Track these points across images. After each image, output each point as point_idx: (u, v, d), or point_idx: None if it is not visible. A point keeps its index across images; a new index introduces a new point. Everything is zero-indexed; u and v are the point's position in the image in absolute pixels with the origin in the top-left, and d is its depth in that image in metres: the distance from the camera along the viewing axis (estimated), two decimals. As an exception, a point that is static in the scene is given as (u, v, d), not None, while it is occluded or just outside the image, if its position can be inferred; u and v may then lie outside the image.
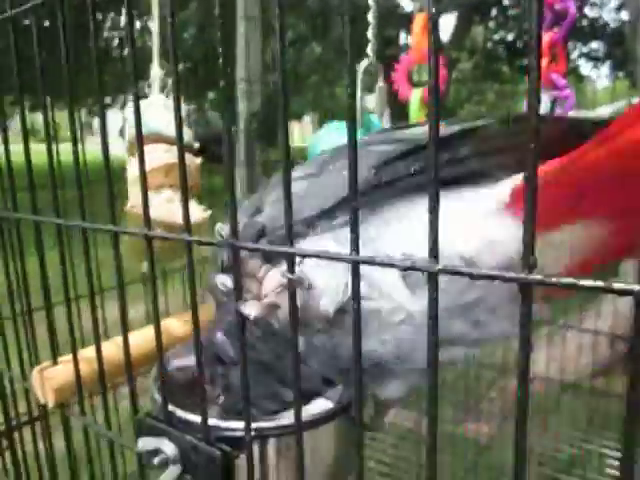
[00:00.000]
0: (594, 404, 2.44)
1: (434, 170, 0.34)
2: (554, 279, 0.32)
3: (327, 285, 0.53)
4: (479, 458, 2.26)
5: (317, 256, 0.42)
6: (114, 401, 1.40)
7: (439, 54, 0.35)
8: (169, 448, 0.57)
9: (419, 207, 0.55)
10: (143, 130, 0.53)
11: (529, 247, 0.32)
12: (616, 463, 1.91)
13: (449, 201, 0.53)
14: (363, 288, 0.50)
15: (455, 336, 0.58)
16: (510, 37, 12.71)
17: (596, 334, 2.59)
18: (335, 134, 1.05)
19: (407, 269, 0.37)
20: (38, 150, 0.84)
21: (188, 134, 0.98)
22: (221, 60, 0.44)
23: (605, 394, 2.56)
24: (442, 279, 0.34)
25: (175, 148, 0.53)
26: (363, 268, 0.39)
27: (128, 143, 0.92)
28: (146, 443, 0.59)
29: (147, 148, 0.80)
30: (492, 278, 0.34)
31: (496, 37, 13.23)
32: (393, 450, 2.16)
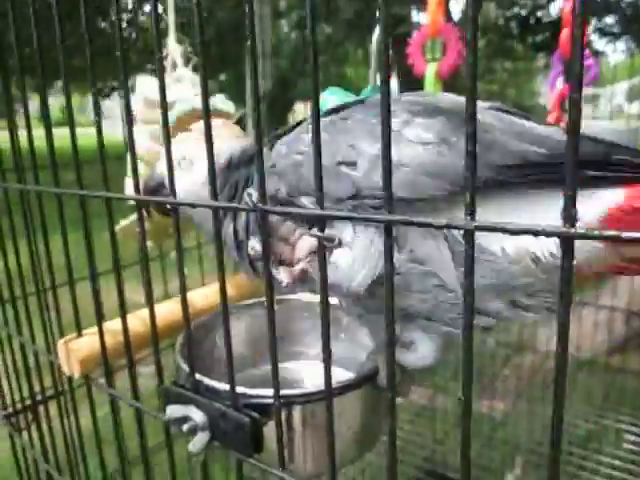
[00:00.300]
0: (610, 380, 2.43)
1: (472, 148, 0.33)
2: (596, 232, 0.31)
3: (358, 264, 0.53)
4: (494, 434, 2.27)
5: (349, 218, 0.42)
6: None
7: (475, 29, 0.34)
8: (197, 415, 0.58)
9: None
10: (185, 107, 0.52)
11: (570, 200, 0.32)
12: (633, 438, 1.91)
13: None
14: (410, 256, 0.50)
15: (489, 311, 0.58)
16: (523, 13, 12.46)
17: (612, 311, 2.57)
18: (334, 99, 1.01)
19: (443, 227, 0.36)
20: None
21: (232, 106, 0.98)
22: (247, 23, 0.43)
23: (621, 370, 2.55)
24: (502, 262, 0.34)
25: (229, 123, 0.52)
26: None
27: (176, 118, 0.90)
28: (174, 411, 0.59)
29: (198, 125, 0.79)
30: (530, 233, 0.34)
31: (509, 14, 12.98)
32: (409, 426, 2.17)
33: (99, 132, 0.64)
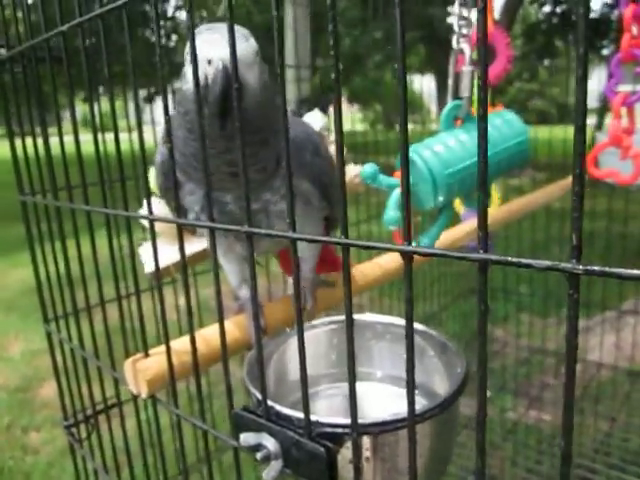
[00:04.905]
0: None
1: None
2: (597, 268, 0.31)
3: None
4: (542, 447, 2.21)
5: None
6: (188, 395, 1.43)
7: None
8: (270, 443, 0.58)
9: None
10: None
11: (578, 242, 0.31)
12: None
13: None
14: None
15: None
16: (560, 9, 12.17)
17: (668, 320, 2.47)
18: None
19: (545, 269, 0.35)
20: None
21: None
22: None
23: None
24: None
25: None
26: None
27: None
28: (247, 438, 0.59)
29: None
30: (544, 269, 0.34)
31: (548, 10, 12.70)
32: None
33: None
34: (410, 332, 0.45)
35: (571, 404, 0.38)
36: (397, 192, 0.83)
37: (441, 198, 0.84)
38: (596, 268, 0.34)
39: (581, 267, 0.34)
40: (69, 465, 1.21)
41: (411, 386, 0.47)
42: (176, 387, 0.73)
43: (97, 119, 0.82)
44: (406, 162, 0.41)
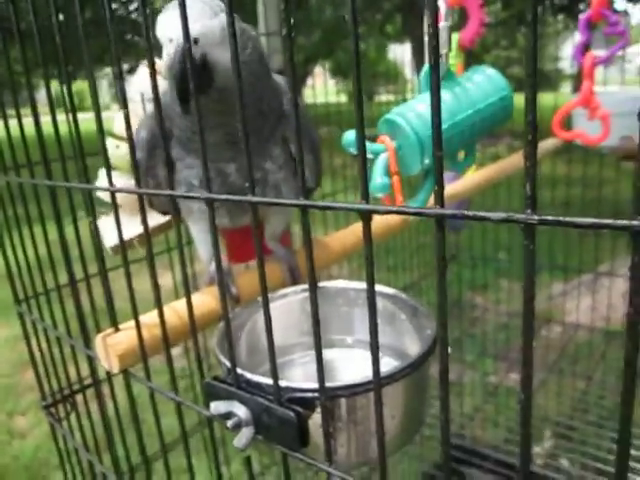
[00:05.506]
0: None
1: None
2: (551, 217, 0.31)
3: None
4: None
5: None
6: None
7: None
8: (241, 411, 0.58)
9: None
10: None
11: (532, 192, 0.31)
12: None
13: None
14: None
15: None
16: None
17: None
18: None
19: (502, 222, 0.35)
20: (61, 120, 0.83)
21: None
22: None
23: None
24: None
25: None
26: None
27: None
28: (218, 407, 0.59)
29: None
30: (500, 221, 0.34)
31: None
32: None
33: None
34: (371, 291, 0.44)
35: (530, 357, 0.38)
36: (383, 157, 0.80)
37: (427, 161, 0.80)
38: (550, 217, 0.34)
39: (536, 217, 0.34)
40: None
41: (375, 347, 0.47)
42: (147, 360, 0.73)
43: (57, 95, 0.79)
44: (361, 124, 0.40)
